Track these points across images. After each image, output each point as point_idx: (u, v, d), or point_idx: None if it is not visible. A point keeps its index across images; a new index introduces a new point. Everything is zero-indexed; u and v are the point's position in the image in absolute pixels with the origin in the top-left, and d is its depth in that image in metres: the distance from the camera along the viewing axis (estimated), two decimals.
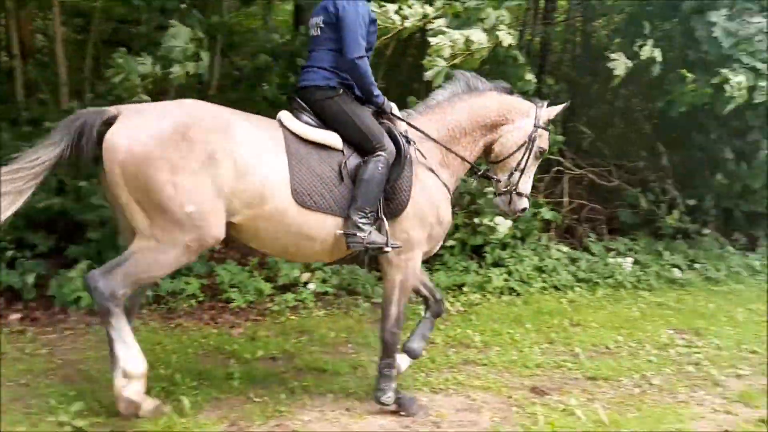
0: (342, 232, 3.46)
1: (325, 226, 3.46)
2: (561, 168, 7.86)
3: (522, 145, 3.94)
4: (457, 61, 4.46)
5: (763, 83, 6.11)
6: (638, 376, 4.44)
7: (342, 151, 3.54)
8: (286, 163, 3.35)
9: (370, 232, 3.45)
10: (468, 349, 4.94)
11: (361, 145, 3.55)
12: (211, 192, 3.13)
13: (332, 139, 3.55)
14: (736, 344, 5.16)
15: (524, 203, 4.06)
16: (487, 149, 3.99)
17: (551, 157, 7.56)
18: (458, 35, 4.55)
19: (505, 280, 6.54)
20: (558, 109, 4.10)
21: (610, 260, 7.12)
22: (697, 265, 7.35)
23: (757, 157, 7.15)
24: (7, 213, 3.00)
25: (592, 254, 7.26)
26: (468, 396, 4.03)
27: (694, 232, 8.18)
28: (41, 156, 3.03)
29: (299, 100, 3.64)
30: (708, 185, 8.47)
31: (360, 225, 3.43)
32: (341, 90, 3.60)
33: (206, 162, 3.11)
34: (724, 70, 6.05)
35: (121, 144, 3.04)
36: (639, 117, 9.46)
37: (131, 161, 3.03)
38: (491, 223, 6.39)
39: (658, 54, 6.16)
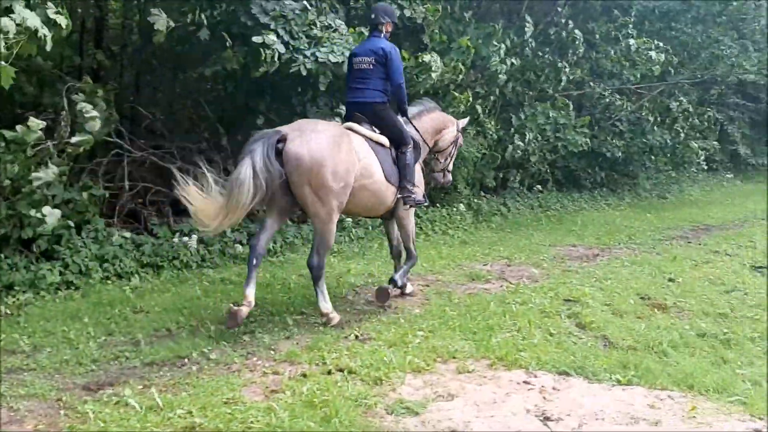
0: (401, 195, 5.63)
1: (392, 193, 5.60)
2: (120, 150, 7.55)
3: (452, 142, 6.48)
4: None
5: (299, 56, 7.10)
6: (197, 354, 4.55)
7: (390, 148, 5.61)
8: (375, 156, 5.43)
9: (416, 193, 5.71)
10: (13, 356, 4.45)
11: (397, 140, 5.63)
12: (349, 173, 5.08)
13: (385, 140, 5.60)
14: (287, 309, 5.66)
15: (450, 177, 6.78)
16: (435, 143, 6.35)
17: (109, 139, 7.23)
18: None
19: (61, 273, 6.05)
20: (466, 120, 6.96)
21: (175, 241, 7.14)
22: None
23: None
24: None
25: (157, 237, 7.17)
26: (10, 407, 3.61)
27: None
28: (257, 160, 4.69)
29: (359, 113, 5.59)
30: None
31: (411, 190, 5.64)
32: (388, 104, 5.68)
33: (347, 156, 5.06)
34: (259, 38, 6.78)
35: (304, 153, 4.82)
36: (203, 100, 9.65)
37: (312, 163, 4.82)
38: (39, 215, 5.81)
39: (204, 20, 6.78)
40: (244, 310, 4.87)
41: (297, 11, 7.13)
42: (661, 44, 12.97)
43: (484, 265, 7.73)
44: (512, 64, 10.24)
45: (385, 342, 4.80)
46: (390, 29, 5.85)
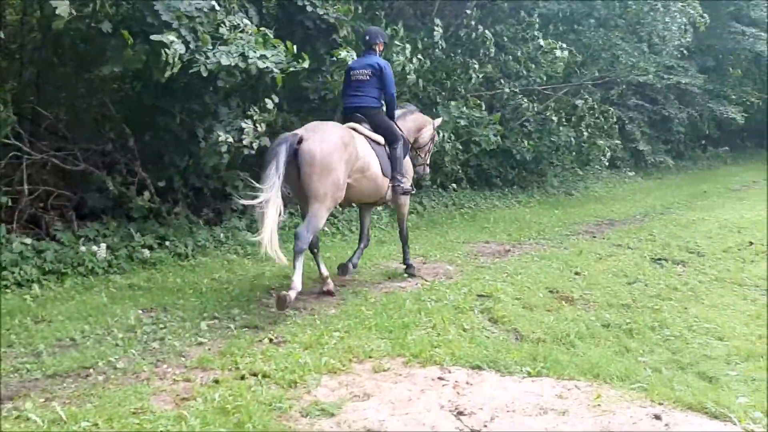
0: (393, 184, 6.58)
1: (386, 183, 6.53)
2: (19, 153, 7.17)
3: (430, 139, 7.58)
4: None
5: (200, 57, 6.90)
6: (103, 363, 4.37)
7: (384, 145, 6.55)
8: (374, 152, 6.36)
9: (406, 183, 6.74)
10: None
11: (390, 138, 6.60)
12: (349, 170, 5.94)
13: (381, 138, 6.54)
14: (200, 314, 5.52)
15: (428, 170, 7.94)
16: (415, 140, 7.36)
17: (6, 141, 6.86)
18: None
19: None
20: (440, 120, 8.30)
21: (82, 248, 6.84)
22: (167, 243, 7.60)
23: (210, 138, 7.75)
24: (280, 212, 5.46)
25: (61, 243, 6.85)
26: None
27: (166, 211, 8.45)
28: (281, 161, 5.47)
29: (358, 114, 6.56)
30: (176, 166, 8.85)
31: (401, 180, 6.62)
32: (381, 108, 6.70)
33: (350, 155, 5.95)
34: (158, 36, 6.52)
35: (317, 150, 5.65)
36: (108, 100, 9.28)
37: (322, 157, 5.65)
38: None
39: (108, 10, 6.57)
40: (331, 284, 6.28)
41: (205, 10, 6.93)
42: (565, 45, 13.45)
43: (401, 264, 7.79)
44: (420, 61, 10.36)
45: (300, 344, 4.76)
46: (382, 48, 7.03)
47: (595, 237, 10.03)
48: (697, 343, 5.37)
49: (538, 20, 13.56)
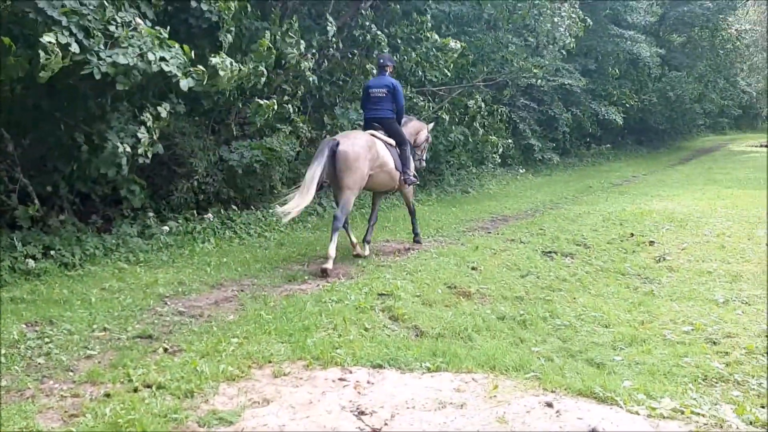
0: (403, 177, 8.44)
1: (398, 175, 8.37)
2: None
3: (425, 140, 9.53)
4: None
5: (93, 58, 6.50)
6: None
7: (396, 147, 8.35)
8: (389, 153, 8.19)
9: (412, 176, 8.61)
10: None
11: (400, 141, 8.44)
12: (372, 166, 7.86)
13: (393, 141, 8.35)
14: (89, 325, 5.26)
15: (425, 163, 9.92)
16: (414, 141, 9.15)
17: None
18: None
19: None
20: (432, 124, 10.68)
21: None
22: (53, 252, 7.20)
23: (106, 145, 7.40)
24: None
25: None
26: None
27: (51, 219, 8.00)
28: (324, 159, 7.45)
29: (375, 123, 8.36)
30: (61, 171, 8.39)
31: (410, 173, 8.54)
32: (394, 118, 8.47)
33: (372, 156, 7.85)
34: (51, 35, 6.10)
35: (350, 151, 7.57)
36: None
37: (354, 157, 7.58)
38: None
39: None
40: (359, 249, 8.25)
41: (92, 6, 6.52)
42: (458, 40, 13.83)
43: (301, 266, 7.75)
44: (314, 55, 10.31)
45: (196, 352, 4.63)
46: (391, 70, 8.83)
47: (490, 233, 10.32)
48: (585, 331, 5.66)
49: (431, 20, 13.81)
